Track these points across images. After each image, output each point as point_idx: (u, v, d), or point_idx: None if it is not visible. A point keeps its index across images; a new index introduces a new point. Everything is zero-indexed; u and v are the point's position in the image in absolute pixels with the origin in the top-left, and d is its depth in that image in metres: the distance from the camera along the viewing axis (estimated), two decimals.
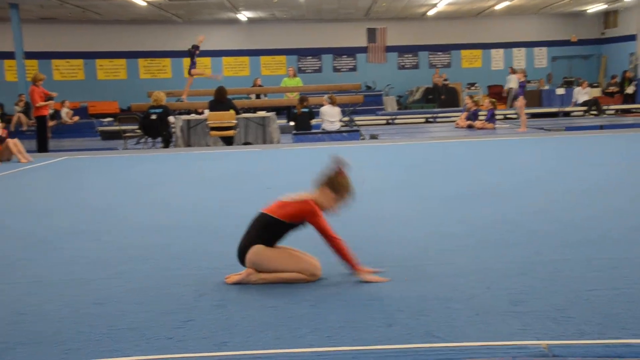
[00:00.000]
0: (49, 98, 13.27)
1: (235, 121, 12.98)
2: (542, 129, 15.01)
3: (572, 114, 20.78)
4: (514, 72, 16.08)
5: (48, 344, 2.89)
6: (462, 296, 3.33)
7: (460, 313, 3.09)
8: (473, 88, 25.31)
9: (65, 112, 19.73)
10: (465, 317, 3.04)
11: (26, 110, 19.08)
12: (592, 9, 27.37)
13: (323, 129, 14.00)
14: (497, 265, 3.86)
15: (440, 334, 2.84)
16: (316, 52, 27.91)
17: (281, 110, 18.86)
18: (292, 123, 14.82)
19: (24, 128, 18.04)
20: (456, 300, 3.28)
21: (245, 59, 27.48)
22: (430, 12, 25.94)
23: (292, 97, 17.60)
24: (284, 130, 15.21)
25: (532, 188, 6.59)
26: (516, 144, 11.43)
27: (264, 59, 27.60)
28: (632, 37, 24.16)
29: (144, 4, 20.95)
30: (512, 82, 21.53)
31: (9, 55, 22.07)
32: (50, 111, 15.43)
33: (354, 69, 28.09)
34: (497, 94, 24.55)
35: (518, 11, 26.86)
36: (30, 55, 22.21)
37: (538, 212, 5.38)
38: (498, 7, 25.13)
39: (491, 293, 3.36)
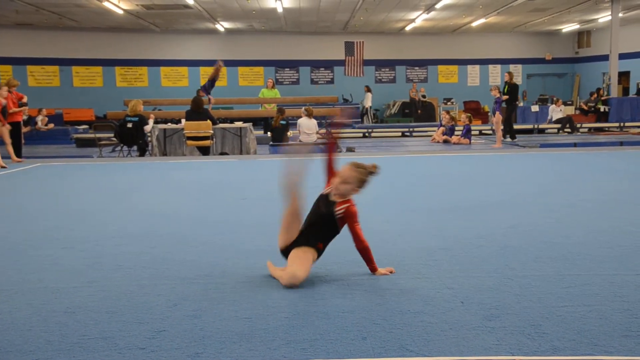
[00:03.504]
0: (22, 104, 13.12)
1: (211, 131, 12.95)
2: (516, 145, 15.18)
3: (547, 131, 21.06)
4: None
5: (17, 353, 2.84)
6: (436, 310, 3.34)
7: (434, 327, 3.10)
8: (449, 103, 25.56)
9: (40, 119, 19.53)
10: (439, 331, 3.05)
11: None
12: (566, 28, 27.88)
13: (300, 141, 14.02)
14: (470, 280, 3.88)
15: (414, 348, 2.85)
16: (294, 64, 28.01)
17: (258, 122, 18.86)
18: (269, 134, 14.82)
19: None
20: (430, 314, 3.29)
21: (223, 69, 27.48)
22: (408, 27, 26.21)
23: (270, 109, 17.61)
24: (260, 141, 15.20)
25: (506, 203, 6.65)
26: (491, 160, 11.54)
27: (241, 69, 27.64)
28: (604, 57, 24.60)
29: (121, 12, 20.86)
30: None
31: None
32: (24, 117, 15.24)
33: (331, 81, 28.24)
34: (473, 109, 24.83)
35: (494, 29, 27.24)
36: (4, 61, 22.00)
37: (511, 227, 5.42)
38: (474, 24, 25.47)
39: (465, 308, 3.38)
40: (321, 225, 4.03)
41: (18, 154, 12.84)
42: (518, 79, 29.13)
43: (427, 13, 22.65)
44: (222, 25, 25.15)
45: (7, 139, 11.98)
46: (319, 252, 4.02)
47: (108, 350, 2.87)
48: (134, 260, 4.50)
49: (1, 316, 3.35)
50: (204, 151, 13.05)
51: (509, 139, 16.63)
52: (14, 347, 2.92)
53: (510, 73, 17.37)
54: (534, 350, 2.80)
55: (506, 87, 16.90)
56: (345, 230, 4.04)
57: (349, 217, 3.99)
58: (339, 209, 4.03)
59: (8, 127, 11.97)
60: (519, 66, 29.12)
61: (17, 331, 3.12)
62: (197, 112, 13.22)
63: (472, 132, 16.74)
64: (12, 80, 12.97)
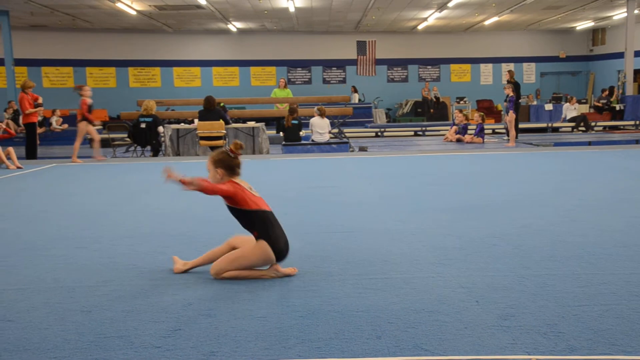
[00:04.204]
0: (37, 104, 13.22)
1: (224, 131, 12.98)
2: (530, 144, 15.10)
3: (561, 129, 20.94)
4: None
5: (35, 352, 2.87)
6: (451, 309, 3.33)
7: (449, 326, 3.09)
8: (462, 102, 25.47)
9: (54, 120, 19.67)
10: (454, 330, 3.04)
11: (15, 117, 19.00)
12: (581, 26, 27.69)
13: (312, 141, 14.02)
14: (485, 279, 3.87)
15: (429, 347, 2.84)
16: (306, 64, 28.01)
17: (270, 121, 18.88)
18: (281, 134, 14.83)
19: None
20: (444, 313, 3.28)
21: (235, 69, 27.54)
22: (420, 26, 26.13)
23: (282, 108, 17.63)
24: (273, 141, 15.21)
25: (520, 202, 6.62)
26: (505, 159, 11.49)
27: (253, 69, 27.68)
28: (619, 55, 24.44)
29: (134, 13, 20.95)
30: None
31: None
32: (39, 118, 15.36)
33: (343, 81, 28.22)
34: (486, 108, 24.73)
35: (507, 27, 27.12)
36: (20, 62, 22.16)
37: (525, 226, 5.40)
38: (487, 22, 25.37)
39: (480, 307, 3.37)
40: (240, 219, 4.04)
41: (33, 154, 12.95)
42: (531, 77, 29.01)
43: (440, 12, 22.59)
44: (234, 25, 25.21)
45: (96, 136, 12.57)
46: (264, 239, 3.97)
47: (124, 348, 2.89)
48: (148, 260, 4.52)
49: (19, 315, 3.38)
50: None
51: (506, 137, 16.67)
52: (32, 345, 2.94)
53: (510, 71, 17.29)
54: (550, 349, 2.79)
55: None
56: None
57: (221, 192, 3.91)
58: (223, 198, 4.01)
59: (95, 124, 12.46)
60: (533, 64, 28.98)
61: (35, 330, 3.15)
62: (210, 111, 13.26)
63: (485, 131, 16.68)
64: (28, 81, 13.08)
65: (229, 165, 4.03)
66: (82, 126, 12.15)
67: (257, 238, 4.00)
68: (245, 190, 4.02)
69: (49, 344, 2.95)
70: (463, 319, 3.18)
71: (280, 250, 4.00)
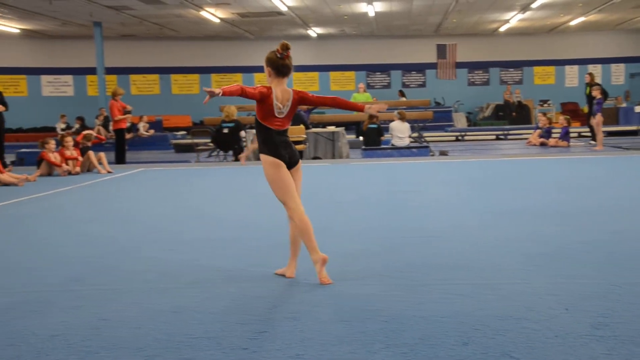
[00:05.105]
0: (126, 112, 13.72)
1: (305, 136, 13.09)
2: (620, 147, 14.55)
3: None
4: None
5: (129, 350, 2.97)
6: (539, 317, 3.25)
7: (538, 334, 3.01)
8: (546, 105, 24.81)
9: (142, 126, 20.35)
10: (543, 338, 2.96)
11: (105, 124, 19.76)
12: None
13: (392, 145, 13.97)
14: (574, 287, 3.75)
15: (518, 355, 2.77)
16: (385, 68, 27.92)
17: (350, 126, 18.91)
18: (361, 138, 14.84)
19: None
20: (533, 320, 3.20)
21: (315, 74, 27.74)
22: (502, 28, 25.61)
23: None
24: (353, 145, 15.24)
25: (609, 208, 6.39)
26: (592, 163, 11.12)
27: (333, 74, 27.80)
28: None
29: (218, 20, 21.44)
30: None
31: (91, 71, 23.00)
32: (128, 124, 15.91)
33: (423, 85, 27.96)
34: (572, 111, 23.98)
35: (594, 27, 26.23)
36: (110, 71, 23.07)
37: (616, 232, 5.20)
38: (573, 23, 24.61)
39: (570, 315, 3.27)
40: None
41: (122, 159, 13.43)
42: (620, 79, 27.93)
43: (523, 13, 22.07)
44: (314, 31, 25.42)
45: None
46: (260, 151, 4.18)
47: (213, 349, 2.96)
48: (233, 263, 4.61)
49: (112, 314, 3.51)
50: None
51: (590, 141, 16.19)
52: (125, 344, 3.05)
53: (591, 74, 16.85)
54: None
55: (587, 88, 16.51)
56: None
57: (246, 92, 4.04)
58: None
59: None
60: (622, 65, 27.88)
61: (128, 329, 3.26)
62: None
63: (571, 135, 16.19)
64: (118, 89, 13.58)
65: (275, 64, 4.17)
66: None
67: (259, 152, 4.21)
68: (272, 99, 4.12)
69: (140, 343, 3.06)
70: (553, 327, 3.09)
71: (277, 152, 4.10)
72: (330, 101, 4.37)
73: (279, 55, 4.18)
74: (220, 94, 3.85)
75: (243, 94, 4.00)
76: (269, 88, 4.15)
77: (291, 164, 4.16)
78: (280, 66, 4.17)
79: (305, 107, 16.49)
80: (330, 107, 4.46)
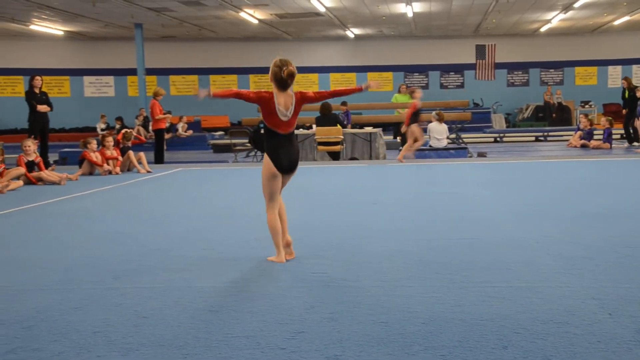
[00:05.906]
0: (166, 112, 13.90)
1: (342, 136, 13.09)
2: None
3: None
4: None
5: (168, 347, 3.01)
6: (582, 321, 3.19)
7: (580, 339, 2.96)
8: (587, 106, 24.38)
9: (180, 126, 20.58)
10: (586, 343, 2.91)
11: (145, 124, 20.03)
12: None
13: (430, 146, 13.88)
14: (618, 291, 3.68)
15: None
16: (423, 69, 27.76)
17: (388, 127, 18.84)
18: (398, 139, 14.78)
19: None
20: (575, 325, 3.15)
21: (352, 75, 27.72)
22: (543, 28, 25.26)
23: (403, 114, 17.57)
24: (390, 146, 15.18)
25: None
26: (635, 165, 10.89)
27: (370, 75, 27.72)
28: None
29: (256, 22, 21.56)
30: None
31: (132, 72, 23.35)
32: (167, 124, 16.12)
33: (461, 85, 27.74)
34: (614, 112, 23.53)
35: (638, 26, 25.67)
36: (150, 72, 23.40)
37: None
38: (616, 22, 24.14)
39: (614, 320, 3.20)
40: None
41: (160, 159, 13.60)
42: None
43: (565, 13, 21.72)
44: (351, 32, 25.39)
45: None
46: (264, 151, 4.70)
47: (251, 348, 2.97)
48: (271, 263, 4.63)
49: (152, 312, 3.55)
50: (334, 156, 13.22)
51: (626, 144, 15.88)
52: (165, 342, 3.09)
53: (627, 78, 16.60)
54: None
55: (626, 92, 16.23)
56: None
57: (243, 95, 4.56)
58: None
59: (416, 127, 12.40)
60: None
61: (168, 327, 3.30)
62: (326, 117, 13.42)
63: (614, 136, 15.88)
64: (159, 89, 13.75)
65: (277, 79, 4.53)
66: (414, 128, 12.36)
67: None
68: (274, 104, 4.48)
69: (180, 341, 3.09)
70: (595, 332, 3.04)
71: (278, 159, 4.53)
72: (328, 94, 4.80)
73: (283, 76, 4.52)
74: (211, 96, 4.45)
75: (238, 96, 4.47)
76: (270, 93, 4.52)
77: (289, 170, 4.63)
78: (281, 81, 4.53)
79: (344, 107, 16.53)
80: (332, 98, 5.00)
